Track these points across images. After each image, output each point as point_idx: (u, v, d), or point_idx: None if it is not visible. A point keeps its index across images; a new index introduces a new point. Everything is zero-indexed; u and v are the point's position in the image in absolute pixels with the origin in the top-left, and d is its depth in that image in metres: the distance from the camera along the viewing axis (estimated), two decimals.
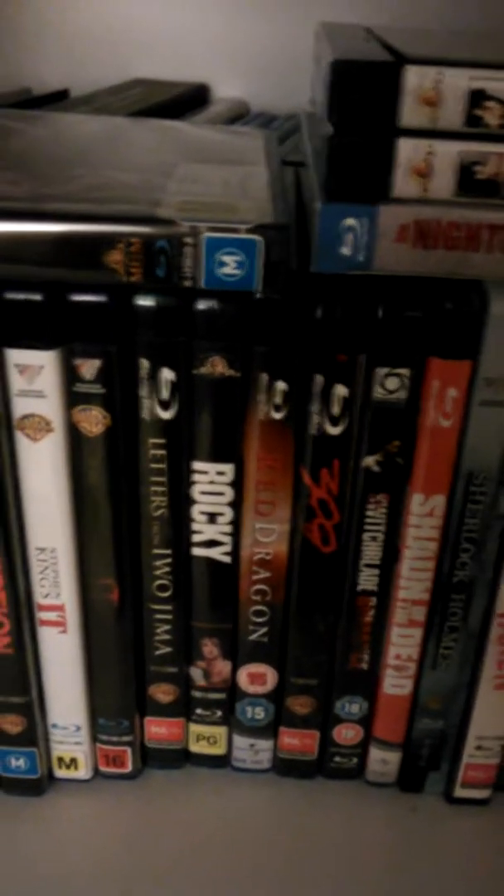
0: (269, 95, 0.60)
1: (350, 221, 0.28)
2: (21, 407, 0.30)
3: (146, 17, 0.59)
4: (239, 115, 0.57)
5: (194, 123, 0.43)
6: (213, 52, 0.60)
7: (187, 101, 0.55)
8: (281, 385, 0.31)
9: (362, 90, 0.27)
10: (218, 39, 0.60)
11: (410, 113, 0.27)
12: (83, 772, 0.40)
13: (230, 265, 0.27)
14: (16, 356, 0.29)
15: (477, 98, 0.27)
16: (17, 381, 0.30)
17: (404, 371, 0.30)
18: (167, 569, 0.35)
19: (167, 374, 0.30)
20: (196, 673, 0.38)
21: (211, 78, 0.60)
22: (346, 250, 0.29)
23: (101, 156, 0.34)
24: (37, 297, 0.29)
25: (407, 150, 0.28)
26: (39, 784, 0.39)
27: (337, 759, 0.40)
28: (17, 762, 0.38)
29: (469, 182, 0.28)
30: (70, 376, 0.30)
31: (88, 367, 0.30)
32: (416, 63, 0.27)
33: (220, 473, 0.33)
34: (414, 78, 0.27)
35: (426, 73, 0.27)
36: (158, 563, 0.35)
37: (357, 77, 0.27)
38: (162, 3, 0.59)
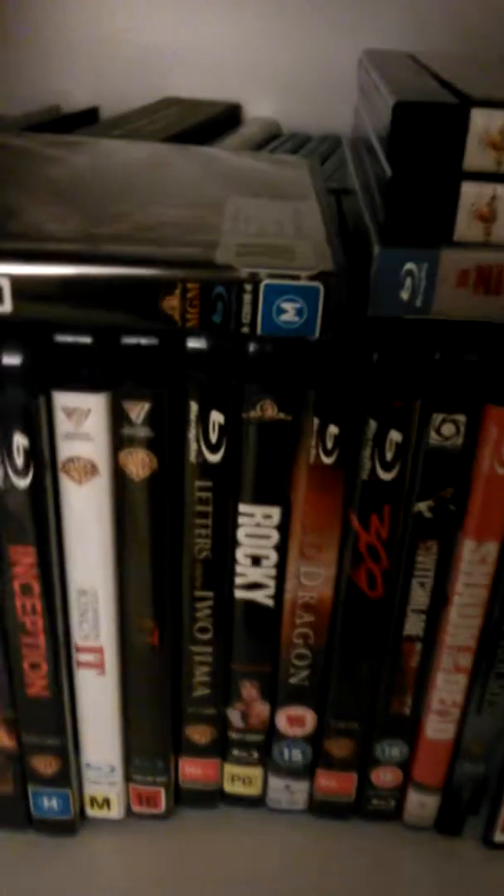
0: (301, 115, 0.60)
1: (409, 266, 0.28)
2: (66, 450, 0.30)
3: (176, 35, 0.59)
4: (272, 136, 0.56)
5: (234, 149, 0.43)
6: (244, 71, 0.59)
7: (221, 121, 0.54)
8: (333, 429, 0.30)
9: (426, 133, 0.27)
10: (249, 58, 0.59)
11: (475, 156, 0.27)
12: (116, 812, 0.39)
13: (289, 312, 0.26)
14: (63, 399, 0.29)
15: None
16: (63, 424, 0.29)
17: (460, 417, 0.29)
18: (208, 611, 0.34)
19: (216, 417, 0.30)
20: (234, 715, 0.37)
21: (242, 97, 0.60)
22: (404, 295, 0.28)
23: (147, 189, 0.33)
24: (87, 340, 0.28)
25: (470, 194, 0.27)
26: (72, 824, 0.38)
27: (374, 801, 0.39)
28: (50, 803, 0.37)
29: None
30: (118, 419, 0.29)
31: (138, 410, 0.29)
32: (484, 105, 0.26)
33: (267, 517, 0.32)
34: (480, 120, 0.26)
35: (493, 115, 0.26)
36: (199, 605, 0.34)
37: (421, 119, 0.26)
38: (192, 21, 0.58)
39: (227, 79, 0.59)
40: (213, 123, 0.53)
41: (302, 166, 0.39)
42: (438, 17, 0.56)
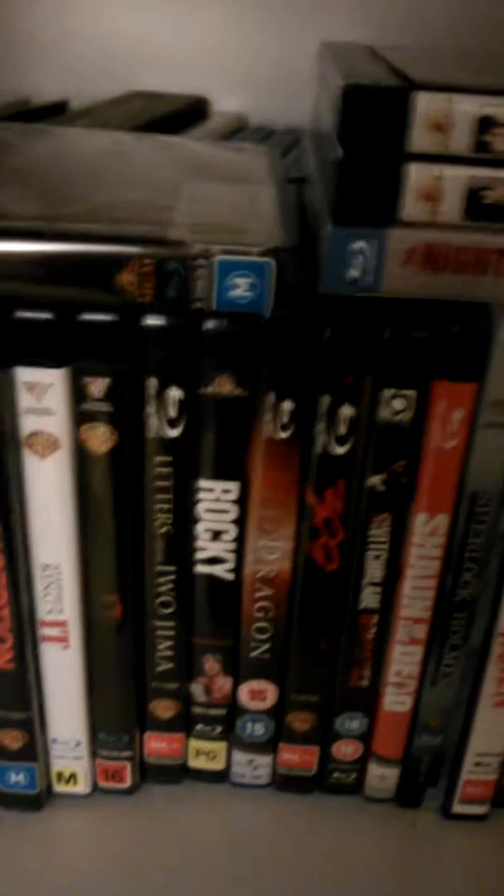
0: (267, 109, 0.61)
1: (359, 245, 0.29)
2: (29, 424, 0.30)
3: (145, 30, 0.60)
4: (237, 129, 0.57)
5: (196, 139, 0.44)
6: (211, 66, 0.60)
7: (186, 114, 0.55)
8: (287, 405, 0.31)
9: (372, 115, 0.28)
10: (216, 53, 0.60)
11: (420, 138, 0.28)
12: (82, 787, 0.40)
13: (242, 287, 0.27)
14: (25, 374, 0.30)
15: (485, 124, 0.27)
16: (25, 399, 0.30)
17: (410, 392, 0.31)
18: (170, 585, 0.35)
19: (175, 393, 0.31)
20: (197, 689, 0.38)
21: (209, 91, 0.61)
22: (354, 273, 0.29)
23: (107, 173, 0.34)
24: (47, 315, 0.29)
25: (416, 175, 0.28)
26: (38, 799, 0.39)
27: (336, 774, 0.40)
28: (17, 777, 0.38)
29: (477, 207, 0.28)
30: (78, 394, 0.30)
31: (97, 386, 0.30)
32: (426, 89, 0.27)
33: (226, 491, 0.33)
34: (424, 103, 0.27)
35: (436, 98, 0.27)
36: (161, 579, 0.35)
37: (367, 102, 0.27)
38: (161, 16, 0.59)
39: (196, 73, 0.60)
40: (179, 116, 0.54)
41: (261, 154, 0.40)
42: (400, 12, 0.57)
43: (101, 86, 0.61)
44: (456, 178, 0.28)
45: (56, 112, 0.58)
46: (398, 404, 0.31)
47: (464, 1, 0.56)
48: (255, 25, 0.59)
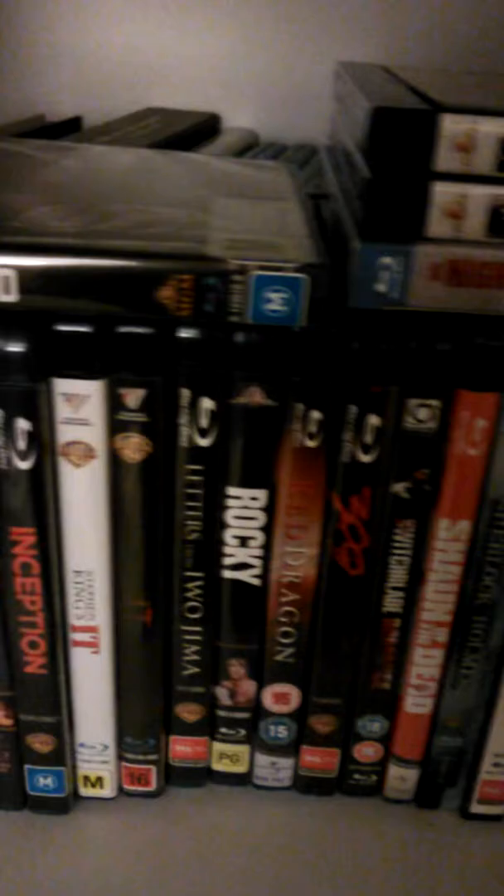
0: (278, 126, 0.62)
1: (386, 260, 0.30)
2: (65, 434, 0.31)
3: (158, 46, 0.61)
4: (249, 146, 0.58)
5: (214, 156, 0.45)
6: (223, 82, 0.61)
7: (201, 131, 0.56)
8: (315, 414, 0.32)
9: (400, 136, 0.29)
10: (228, 69, 0.61)
11: (445, 158, 0.29)
12: (108, 790, 0.40)
13: (276, 302, 0.28)
14: (63, 385, 0.30)
15: None
16: (63, 409, 0.31)
17: (435, 402, 0.32)
18: (198, 591, 0.36)
19: (207, 404, 0.32)
20: (222, 693, 0.39)
21: (221, 107, 0.62)
22: (381, 287, 0.30)
23: (138, 189, 0.35)
24: (86, 329, 0.30)
25: (441, 194, 0.29)
26: (65, 803, 0.40)
27: (356, 776, 0.41)
28: (45, 781, 0.39)
29: (499, 224, 0.30)
30: (114, 405, 0.31)
31: (133, 397, 0.31)
32: (452, 111, 0.28)
33: (254, 499, 0.34)
34: (450, 125, 0.28)
35: (461, 120, 0.28)
36: (190, 585, 0.36)
37: (395, 124, 0.29)
38: (174, 33, 0.60)
39: (207, 90, 0.62)
40: (193, 133, 0.55)
41: (281, 170, 0.41)
42: (409, 31, 0.58)
43: (114, 102, 0.62)
44: (479, 196, 0.29)
45: (71, 128, 0.59)
46: (423, 414, 0.32)
47: (472, 21, 0.58)
48: (266, 42, 0.60)
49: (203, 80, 0.62)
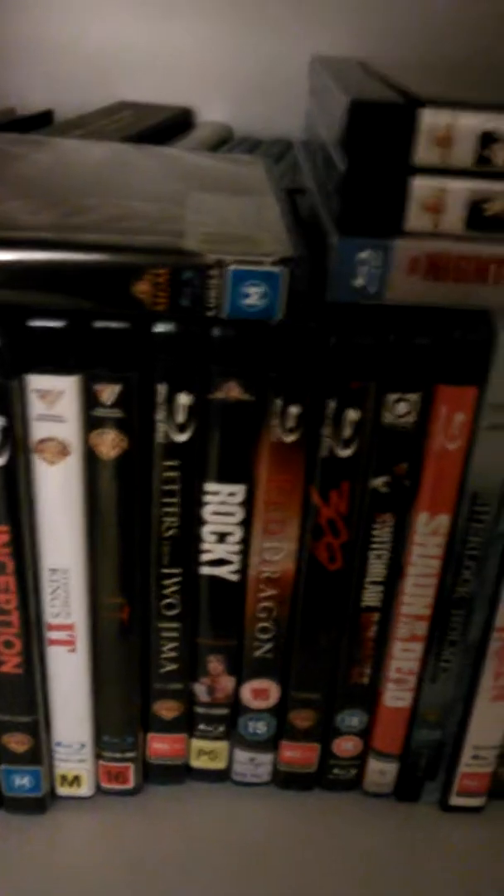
0: (252, 120, 0.62)
1: (364, 254, 0.29)
2: (39, 431, 0.31)
3: (131, 40, 0.60)
4: (223, 140, 0.58)
5: (188, 150, 0.44)
6: (196, 76, 0.61)
7: (174, 125, 0.56)
8: (294, 409, 0.32)
9: (378, 130, 0.29)
10: (201, 63, 0.61)
11: (424, 152, 0.29)
12: (85, 789, 0.40)
13: (253, 296, 0.28)
14: (37, 381, 0.30)
15: (487, 139, 0.28)
16: (37, 406, 0.30)
17: (413, 396, 0.32)
18: (175, 587, 0.35)
19: (183, 399, 0.31)
20: (200, 689, 0.38)
21: (194, 102, 0.61)
22: (359, 281, 0.30)
23: (112, 183, 0.35)
24: (59, 324, 0.29)
25: (420, 188, 0.29)
26: (42, 802, 0.39)
27: (335, 770, 0.41)
28: (22, 781, 0.38)
29: (478, 218, 0.29)
30: (89, 401, 0.31)
31: (108, 392, 0.31)
32: (431, 105, 0.28)
33: (232, 494, 0.34)
34: (429, 119, 0.28)
35: (440, 114, 0.28)
36: (167, 581, 0.35)
37: (374, 118, 0.28)
38: (147, 26, 0.60)
39: (181, 84, 0.61)
40: (166, 127, 0.54)
41: (257, 165, 0.41)
42: (386, 25, 0.58)
43: (85, 96, 0.62)
44: (458, 190, 0.29)
45: (42, 122, 0.58)
46: (402, 408, 0.32)
47: (449, 15, 0.58)
48: (239, 36, 0.60)
49: (176, 74, 0.61)
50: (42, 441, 0.31)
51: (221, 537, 0.34)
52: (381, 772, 0.41)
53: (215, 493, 0.34)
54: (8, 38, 0.61)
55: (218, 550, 0.35)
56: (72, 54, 0.61)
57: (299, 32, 0.59)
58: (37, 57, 0.61)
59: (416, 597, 0.35)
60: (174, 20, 0.59)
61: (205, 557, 0.35)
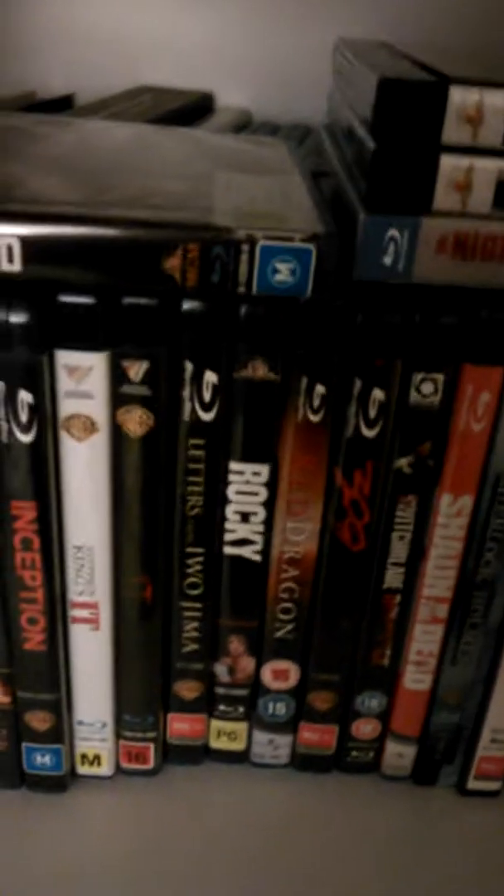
0: (271, 105, 0.62)
1: (392, 232, 0.29)
2: (67, 407, 0.31)
3: (151, 24, 0.60)
4: (243, 125, 0.58)
5: (216, 132, 0.44)
6: (216, 61, 0.61)
7: (195, 109, 0.56)
8: (320, 388, 0.32)
9: (408, 108, 0.29)
10: (221, 48, 0.61)
11: (452, 131, 0.29)
12: (106, 768, 0.40)
13: (283, 272, 0.28)
14: (65, 357, 0.30)
15: None
16: (65, 382, 0.31)
17: (439, 376, 0.32)
18: (199, 567, 0.36)
19: (210, 377, 0.31)
20: (221, 669, 0.39)
21: (214, 86, 0.61)
22: (387, 260, 0.30)
23: (138, 163, 0.35)
24: (89, 300, 0.29)
25: (448, 166, 0.29)
26: (63, 781, 0.39)
27: (354, 753, 0.41)
28: (43, 759, 0.39)
29: None
30: (117, 377, 0.31)
31: (136, 369, 0.31)
32: (460, 84, 0.28)
33: (256, 474, 0.34)
34: (458, 97, 0.28)
35: (469, 93, 0.28)
36: (190, 561, 0.35)
37: (403, 96, 0.28)
38: (167, 11, 0.60)
39: (201, 68, 0.61)
40: (187, 111, 0.54)
41: (280, 146, 0.41)
42: (401, 12, 0.58)
43: (106, 80, 0.62)
44: (486, 169, 0.29)
45: (63, 105, 0.59)
46: (427, 388, 0.32)
47: (472, 1, 0.58)
48: (260, 21, 0.60)
49: (196, 58, 0.61)
50: (70, 418, 0.31)
51: (245, 517, 0.35)
52: (399, 755, 0.41)
53: (240, 473, 0.34)
54: (29, 23, 0.61)
55: (241, 530, 0.35)
56: (92, 39, 0.61)
57: (320, 18, 0.59)
58: (57, 41, 0.62)
59: (438, 579, 0.36)
60: (193, 5, 0.59)
61: (228, 537, 0.35)
